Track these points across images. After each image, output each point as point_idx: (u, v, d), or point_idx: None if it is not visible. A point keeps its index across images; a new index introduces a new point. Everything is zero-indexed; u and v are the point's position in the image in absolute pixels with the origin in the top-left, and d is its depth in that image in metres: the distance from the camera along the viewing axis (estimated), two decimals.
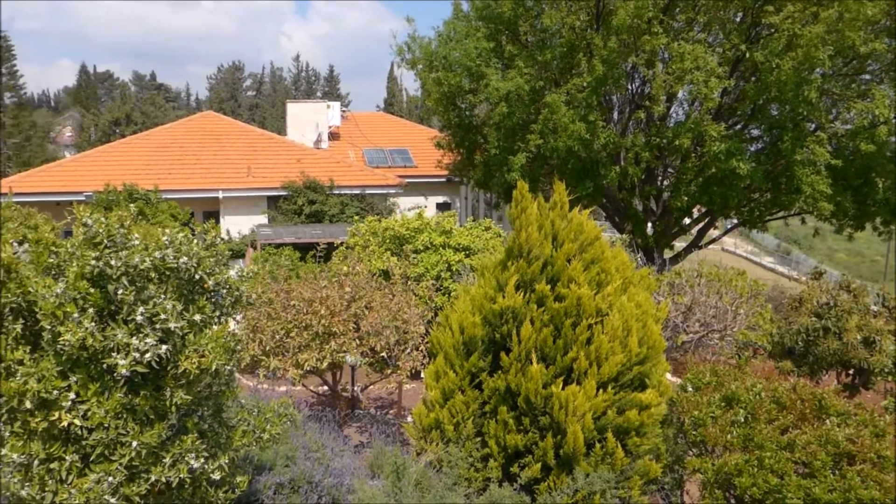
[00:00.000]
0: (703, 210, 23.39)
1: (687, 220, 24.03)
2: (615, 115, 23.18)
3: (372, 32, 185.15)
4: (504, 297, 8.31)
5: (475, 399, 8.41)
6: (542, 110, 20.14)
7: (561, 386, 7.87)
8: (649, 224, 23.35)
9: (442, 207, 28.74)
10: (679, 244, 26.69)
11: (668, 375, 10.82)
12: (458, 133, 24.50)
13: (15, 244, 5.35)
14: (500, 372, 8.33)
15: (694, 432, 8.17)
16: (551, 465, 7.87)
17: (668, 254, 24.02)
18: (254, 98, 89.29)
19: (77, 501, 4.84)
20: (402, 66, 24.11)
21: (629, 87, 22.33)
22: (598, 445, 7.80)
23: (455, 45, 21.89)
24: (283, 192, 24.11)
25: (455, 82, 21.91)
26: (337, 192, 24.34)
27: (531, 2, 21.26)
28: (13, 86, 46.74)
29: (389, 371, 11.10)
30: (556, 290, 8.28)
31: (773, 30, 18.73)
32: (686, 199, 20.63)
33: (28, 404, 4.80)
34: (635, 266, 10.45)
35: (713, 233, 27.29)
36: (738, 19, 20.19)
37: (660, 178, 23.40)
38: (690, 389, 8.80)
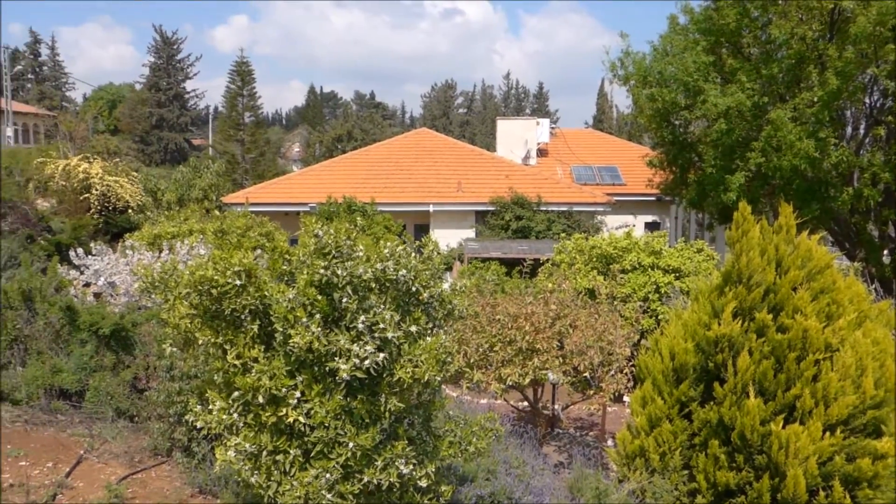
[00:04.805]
0: None
1: None
2: (849, 131, 21.30)
3: (583, 49, 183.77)
4: (720, 324, 7.86)
5: (683, 430, 8.01)
6: (765, 127, 18.94)
7: (781, 424, 7.29)
8: (885, 252, 21.14)
9: (651, 227, 27.87)
10: None
11: None
12: (671, 151, 23.65)
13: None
14: (712, 403, 7.88)
15: None
16: None
17: None
18: (465, 115, 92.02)
19: (298, 493, 5.16)
20: (613, 82, 23.76)
21: (866, 100, 20.42)
22: (822, 493, 7.13)
23: (671, 59, 21.18)
24: (490, 207, 24.56)
25: (670, 98, 21.18)
26: (544, 208, 24.39)
27: (757, 12, 20.09)
28: (252, 106, 51.79)
29: (591, 392, 10.90)
30: (779, 321, 7.70)
31: None
32: None
33: (260, 399, 5.20)
34: (872, 299, 9.49)
35: None
36: None
37: None
38: None
